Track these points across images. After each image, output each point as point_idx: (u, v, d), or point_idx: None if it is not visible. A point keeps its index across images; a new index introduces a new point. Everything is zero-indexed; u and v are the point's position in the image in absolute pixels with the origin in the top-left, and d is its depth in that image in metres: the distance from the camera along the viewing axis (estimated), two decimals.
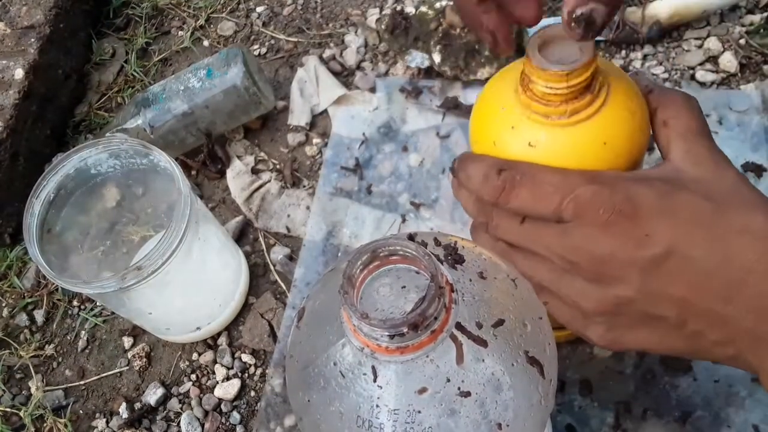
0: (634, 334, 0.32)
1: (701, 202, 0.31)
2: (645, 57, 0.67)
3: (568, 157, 0.33)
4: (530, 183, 0.32)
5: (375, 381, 0.28)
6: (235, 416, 0.57)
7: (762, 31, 0.65)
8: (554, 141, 0.33)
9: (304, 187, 0.68)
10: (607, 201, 0.30)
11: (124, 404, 0.58)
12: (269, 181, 0.69)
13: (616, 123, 0.33)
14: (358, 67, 0.74)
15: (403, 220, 0.63)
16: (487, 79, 0.61)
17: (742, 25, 0.67)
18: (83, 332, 0.64)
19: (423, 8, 0.70)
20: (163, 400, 0.59)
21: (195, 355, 0.60)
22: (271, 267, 0.64)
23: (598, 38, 0.51)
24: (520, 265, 0.34)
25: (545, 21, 0.36)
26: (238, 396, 0.58)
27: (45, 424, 0.59)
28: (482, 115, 0.37)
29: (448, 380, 0.28)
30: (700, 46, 0.67)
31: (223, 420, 0.57)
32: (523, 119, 0.34)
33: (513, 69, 0.36)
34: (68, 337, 0.64)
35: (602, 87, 0.33)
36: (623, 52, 0.68)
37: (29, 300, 0.66)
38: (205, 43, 0.81)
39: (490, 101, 0.37)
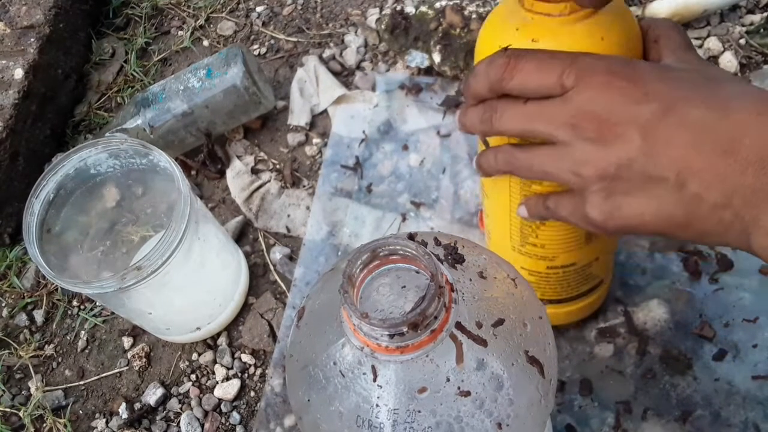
0: (632, 202, 0.32)
1: (697, 76, 0.32)
2: None
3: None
4: (534, 58, 0.34)
5: (375, 380, 0.28)
6: (235, 416, 0.57)
7: (762, 31, 0.65)
8: (555, 36, 0.36)
9: (304, 187, 0.68)
10: (607, 65, 0.32)
11: (123, 404, 0.58)
12: (269, 181, 0.69)
13: (613, 22, 0.36)
14: (358, 66, 0.74)
15: (404, 220, 0.63)
16: None
17: (742, 25, 0.67)
18: (83, 332, 0.64)
19: (423, 8, 0.70)
20: (163, 400, 0.59)
21: (195, 355, 0.60)
22: (271, 267, 0.64)
23: None
24: (523, 160, 0.36)
25: None
26: (238, 396, 0.58)
27: (45, 424, 0.59)
28: (490, 27, 0.39)
29: (448, 380, 0.28)
30: (700, 46, 0.67)
31: (223, 420, 0.57)
32: (527, 20, 0.37)
33: None
34: (68, 337, 0.64)
35: None
36: None
37: (29, 300, 0.66)
38: (205, 43, 0.81)
39: (498, 14, 0.39)
